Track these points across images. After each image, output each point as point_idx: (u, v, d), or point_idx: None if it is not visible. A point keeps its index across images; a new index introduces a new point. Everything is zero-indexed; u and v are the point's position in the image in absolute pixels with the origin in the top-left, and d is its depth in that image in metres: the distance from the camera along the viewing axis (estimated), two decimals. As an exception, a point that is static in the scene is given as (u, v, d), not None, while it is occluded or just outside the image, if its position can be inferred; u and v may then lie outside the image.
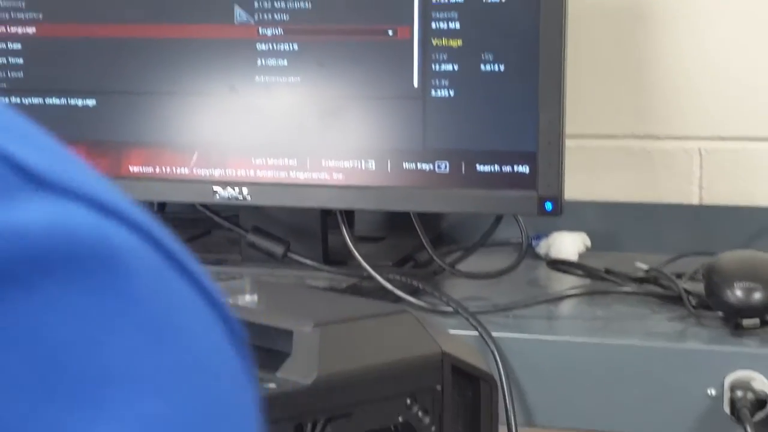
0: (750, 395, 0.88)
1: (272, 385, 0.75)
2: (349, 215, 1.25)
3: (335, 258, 1.17)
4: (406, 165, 1.08)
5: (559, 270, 1.19)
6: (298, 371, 0.76)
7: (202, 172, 1.13)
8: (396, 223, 1.29)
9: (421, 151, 1.08)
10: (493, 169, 1.06)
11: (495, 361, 0.96)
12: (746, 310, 0.95)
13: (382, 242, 1.27)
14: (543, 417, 0.97)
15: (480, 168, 1.06)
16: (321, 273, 1.14)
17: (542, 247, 1.28)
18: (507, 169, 1.05)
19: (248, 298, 0.89)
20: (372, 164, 1.09)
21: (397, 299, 1.05)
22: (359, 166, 1.09)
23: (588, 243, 1.27)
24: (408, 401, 0.80)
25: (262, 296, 0.90)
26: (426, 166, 1.08)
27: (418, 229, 1.14)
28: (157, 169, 1.14)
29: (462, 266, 1.18)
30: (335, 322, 0.80)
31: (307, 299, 0.92)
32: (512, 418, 0.95)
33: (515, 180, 1.05)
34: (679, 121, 1.31)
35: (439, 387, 0.82)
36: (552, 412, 0.97)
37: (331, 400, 0.76)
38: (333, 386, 0.76)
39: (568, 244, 1.26)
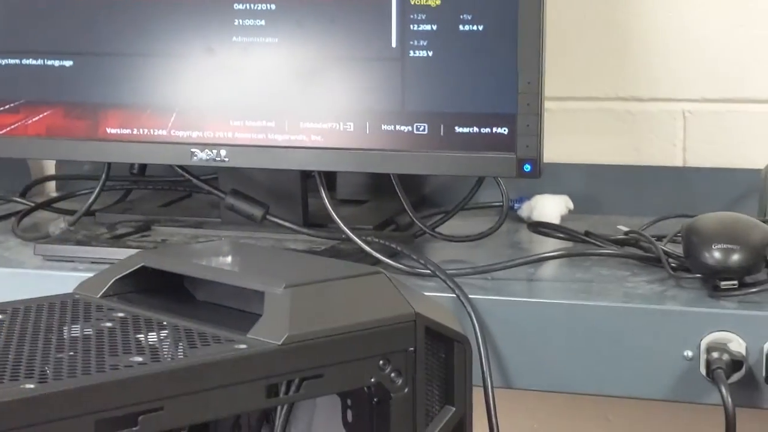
0: (726, 357, 0.88)
1: (243, 346, 0.75)
2: (330, 178, 1.25)
3: (315, 221, 1.17)
4: (384, 127, 1.07)
5: (540, 233, 1.18)
6: (269, 332, 0.76)
7: (180, 134, 1.12)
8: (378, 186, 1.29)
9: (399, 112, 1.07)
10: (471, 131, 1.05)
11: (472, 323, 0.96)
12: (724, 271, 0.94)
13: (364, 205, 1.27)
14: (520, 379, 0.97)
15: (459, 130, 1.05)
16: (300, 236, 1.14)
17: (525, 210, 1.27)
18: (486, 130, 1.05)
19: (222, 260, 0.88)
20: (350, 126, 1.08)
21: (376, 262, 1.05)
22: (337, 128, 1.08)
23: (570, 206, 1.27)
24: (381, 362, 0.80)
25: (236, 258, 0.89)
26: (404, 128, 1.07)
27: (398, 192, 1.13)
28: (135, 131, 1.13)
29: (443, 229, 1.17)
30: (307, 283, 0.80)
31: (282, 261, 0.91)
32: (489, 380, 0.95)
33: (494, 142, 1.05)
34: (663, 82, 1.30)
35: (412, 348, 0.81)
36: (529, 374, 0.97)
37: (302, 361, 0.76)
38: (303, 347, 0.76)
39: (551, 207, 1.25)
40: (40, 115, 1.15)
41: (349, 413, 0.86)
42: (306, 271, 0.85)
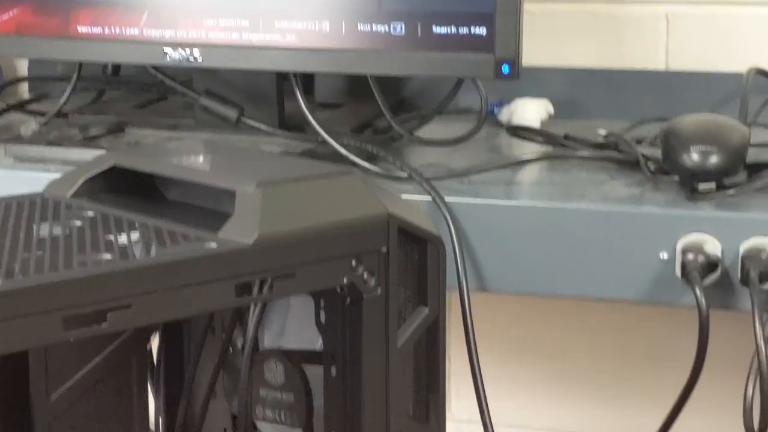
0: (701, 258, 0.87)
1: (213, 245, 0.74)
2: (307, 81, 1.23)
3: (292, 123, 1.15)
4: (360, 27, 1.05)
5: (519, 137, 1.17)
6: (240, 231, 0.75)
7: (153, 33, 1.10)
8: (356, 90, 1.27)
9: (375, 12, 1.05)
10: (449, 31, 1.03)
11: (448, 226, 0.95)
12: (702, 173, 0.93)
13: (341, 109, 1.25)
14: (496, 282, 0.96)
15: (436, 30, 1.03)
16: (276, 138, 1.12)
17: (504, 114, 1.26)
18: (464, 30, 1.03)
19: (193, 160, 0.87)
20: (326, 26, 1.06)
21: (352, 165, 1.03)
22: (313, 28, 1.06)
23: (551, 110, 1.26)
24: (353, 262, 0.79)
25: (208, 158, 0.88)
26: (381, 28, 1.05)
27: (376, 95, 1.11)
28: (107, 30, 1.11)
29: (422, 134, 1.16)
30: (278, 182, 0.79)
31: (254, 161, 0.90)
32: (464, 282, 0.94)
33: (472, 42, 1.03)
34: (646, -16, 1.28)
35: (384, 249, 0.81)
36: (505, 277, 0.96)
37: (273, 261, 0.75)
38: (274, 246, 0.75)
39: (531, 111, 1.24)
40: (10, 13, 1.13)
41: (322, 314, 0.86)
42: (278, 171, 0.84)
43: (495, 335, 1.40)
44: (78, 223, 0.78)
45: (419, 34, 1.04)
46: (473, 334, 0.94)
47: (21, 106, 1.30)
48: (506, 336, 1.40)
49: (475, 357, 0.93)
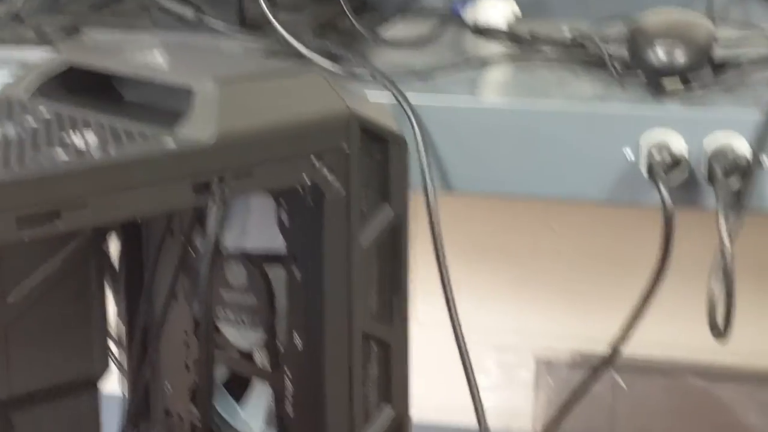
0: (666, 156, 0.87)
1: (170, 143, 0.72)
2: (268, -19, 1.20)
3: (252, 24, 1.13)
4: None
5: (484, 37, 1.15)
6: (197, 129, 0.73)
7: (107, -70, 1.07)
8: (318, -10, 1.24)
9: None
10: (412, -74, 1.01)
11: (411, 125, 0.93)
12: (667, 69, 0.92)
13: (303, 10, 1.22)
14: (460, 181, 0.95)
15: (399, -76, 1.01)
16: (236, 39, 1.10)
17: (469, 14, 1.24)
18: (427, -75, 1.00)
19: (150, 58, 0.85)
20: None
21: (314, 65, 1.02)
22: (272, -77, 1.04)
23: (517, 10, 1.24)
24: (314, 161, 0.78)
25: (165, 56, 0.86)
26: (342, -77, 1.02)
27: (338, -6, 1.09)
28: (59, -73, 1.08)
29: (386, 34, 1.14)
30: (237, 79, 0.77)
31: (212, 59, 0.89)
32: (429, 181, 0.93)
33: (436, -63, 1.00)
34: None
35: (346, 146, 0.79)
36: (470, 177, 0.95)
37: (232, 159, 0.74)
38: (233, 144, 0.74)
39: (496, 11, 1.22)
40: None
41: (284, 215, 0.85)
42: (237, 69, 0.82)
43: (460, 239, 1.39)
44: (32, 122, 0.77)
45: (381, -71, 1.02)
46: (439, 232, 0.92)
47: (-27, 8, 1.26)
48: (471, 240, 1.40)
49: (441, 253, 0.92)
